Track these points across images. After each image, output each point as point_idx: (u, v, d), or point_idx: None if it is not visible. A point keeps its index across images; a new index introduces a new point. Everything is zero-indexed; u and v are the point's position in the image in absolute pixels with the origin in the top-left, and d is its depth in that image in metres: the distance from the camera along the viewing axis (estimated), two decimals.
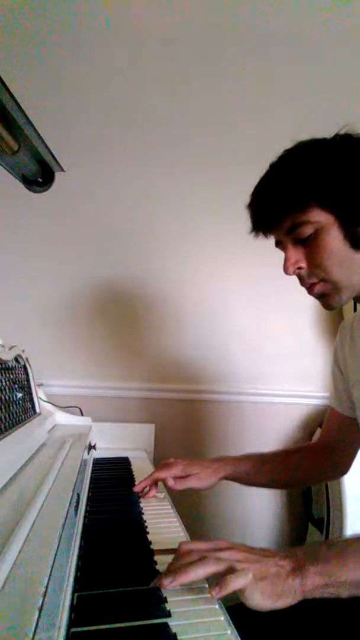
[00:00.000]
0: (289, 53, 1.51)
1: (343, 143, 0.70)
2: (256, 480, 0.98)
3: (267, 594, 0.52)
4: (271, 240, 0.78)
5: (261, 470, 0.96)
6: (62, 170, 1.01)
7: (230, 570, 0.53)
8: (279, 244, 0.76)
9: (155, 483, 0.94)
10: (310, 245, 0.70)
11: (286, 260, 0.73)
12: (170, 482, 0.89)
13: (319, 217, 0.68)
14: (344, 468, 0.99)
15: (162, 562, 0.62)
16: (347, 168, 0.67)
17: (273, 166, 0.73)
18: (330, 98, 1.52)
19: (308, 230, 0.69)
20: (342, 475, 1.02)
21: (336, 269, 0.70)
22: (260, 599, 0.52)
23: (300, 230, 0.70)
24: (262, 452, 1.00)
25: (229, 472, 0.93)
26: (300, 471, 1.00)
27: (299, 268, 0.73)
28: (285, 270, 0.73)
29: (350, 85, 1.54)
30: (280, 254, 0.77)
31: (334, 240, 0.68)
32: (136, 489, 0.93)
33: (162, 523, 0.79)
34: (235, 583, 0.51)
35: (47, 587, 0.39)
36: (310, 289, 0.75)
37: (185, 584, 0.54)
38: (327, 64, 1.53)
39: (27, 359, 1.04)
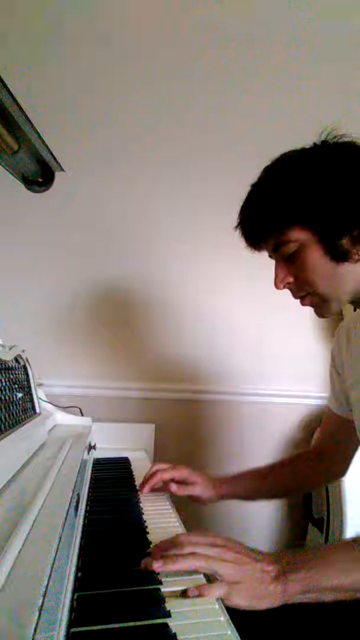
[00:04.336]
0: (289, 53, 1.51)
1: (318, 156, 0.71)
2: (256, 496, 1.02)
3: (247, 595, 0.56)
4: None
5: (260, 485, 0.99)
6: (62, 170, 1.01)
7: (212, 570, 0.57)
8: (272, 257, 0.79)
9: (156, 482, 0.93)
10: (295, 261, 0.73)
11: (275, 276, 0.77)
12: (174, 488, 0.91)
13: (299, 235, 0.71)
14: (341, 471, 1.00)
15: None
16: (320, 186, 0.69)
17: (253, 187, 0.76)
18: (331, 96, 1.52)
19: (291, 248, 0.72)
20: (339, 478, 1.03)
21: (320, 283, 0.73)
22: (239, 600, 0.55)
23: (284, 248, 0.73)
24: (259, 467, 1.02)
25: (229, 491, 0.96)
26: (300, 480, 1.02)
27: (288, 283, 0.76)
28: (275, 286, 0.77)
29: (349, 84, 1.54)
30: None
31: (316, 255, 0.71)
32: (145, 490, 0.92)
33: (162, 523, 0.79)
34: (212, 592, 0.55)
35: (47, 587, 0.39)
36: (301, 301, 0.78)
37: (172, 571, 0.58)
38: (327, 62, 1.53)
39: (27, 359, 1.03)
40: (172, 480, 0.93)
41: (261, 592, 0.56)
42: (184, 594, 0.55)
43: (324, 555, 0.62)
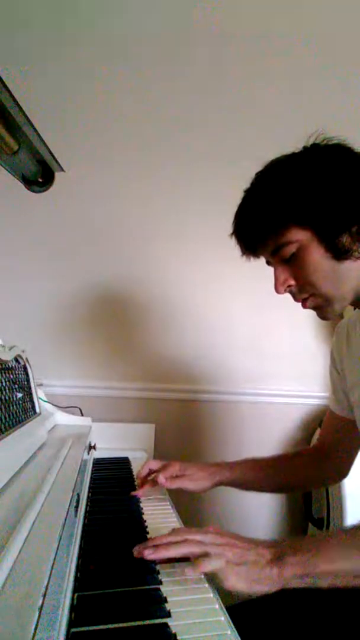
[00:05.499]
0: (289, 52, 1.51)
1: (310, 157, 0.71)
2: (254, 485, 0.99)
3: (242, 577, 0.56)
4: None
5: (259, 475, 0.96)
6: (62, 170, 1.01)
7: (206, 554, 0.57)
8: (269, 263, 0.78)
9: (151, 479, 0.93)
10: (295, 263, 0.72)
11: (275, 280, 0.75)
12: (161, 480, 0.88)
13: (298, 235, 0.70)
14: (344, 471, 0.99)
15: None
16: (315, 184, 0.68)
17: (247, 192, 0.76)
18: (331, 96, 1.52)
19: (290, 250, 0.71)
20: (342, 478, 1.01)
21: (323, 283, 0.72)
22: (235, 581, 0.55)
23: (283, 250, 0.72)
24: (261, 456, 1.00)
25: (226, 477, 0.93)
26: (300, 476, 1.00)
27: (289, 286, 0.75)
28: (276, 290, 0.76)
29: (349, 83, 1.54)
30: None
31: (316, 255, 0.70)
32: (139, 493, 0.92)
33: (162, 523, 0.79)
34: (206, 565, 0.55)
35: (47, 587, 0.39)
36: (303, 304, 0.77)
37: (164, 558, 0.58)
38: (327, 62, 1.53)
39: (27, 359, 1.03)
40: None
41: (256, 576, 0.56)
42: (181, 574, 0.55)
43: (323, 540, 0.62)
